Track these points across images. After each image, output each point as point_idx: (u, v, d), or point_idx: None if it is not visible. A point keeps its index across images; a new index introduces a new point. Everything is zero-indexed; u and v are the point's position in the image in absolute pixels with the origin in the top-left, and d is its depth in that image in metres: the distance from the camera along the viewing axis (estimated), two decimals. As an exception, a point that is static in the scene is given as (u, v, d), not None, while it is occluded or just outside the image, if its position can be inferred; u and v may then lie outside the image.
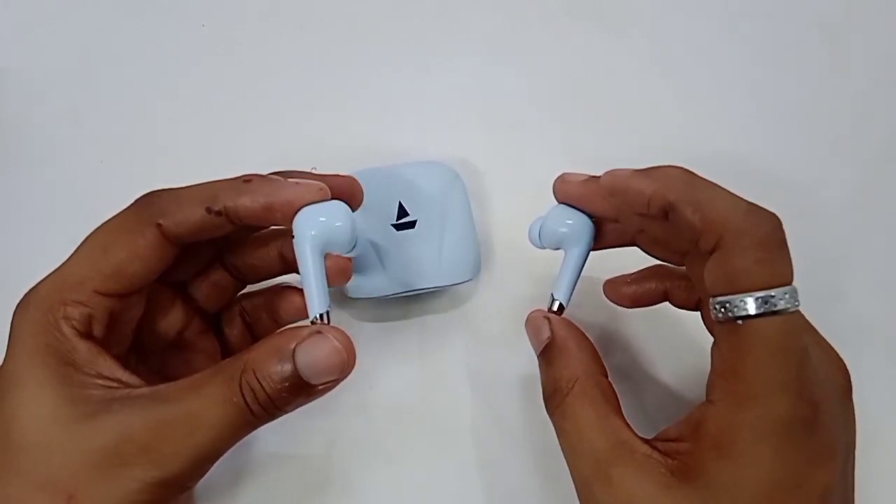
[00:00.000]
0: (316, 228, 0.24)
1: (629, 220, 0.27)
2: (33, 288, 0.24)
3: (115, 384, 0.23)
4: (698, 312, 0.29)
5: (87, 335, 0.24)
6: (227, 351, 0.31)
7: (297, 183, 0.25)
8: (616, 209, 0.27)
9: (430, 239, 0.33)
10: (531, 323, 0.28)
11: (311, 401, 0.24)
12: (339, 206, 0.25)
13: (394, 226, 0.33)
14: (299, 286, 0.30)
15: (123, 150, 0.39)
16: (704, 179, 0.24)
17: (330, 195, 0.25)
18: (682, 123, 0.41)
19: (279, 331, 0.24)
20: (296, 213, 0.24)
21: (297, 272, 0.29)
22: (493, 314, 0.35)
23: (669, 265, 0.30)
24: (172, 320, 0.28)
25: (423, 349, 0.34)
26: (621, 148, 0.39)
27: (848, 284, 0.37)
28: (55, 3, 0.43)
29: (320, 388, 0.23)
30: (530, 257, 0.32)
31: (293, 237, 0.24)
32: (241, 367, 0.22)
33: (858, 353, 0.25)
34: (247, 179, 0.25)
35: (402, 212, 0.33)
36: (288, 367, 0.22)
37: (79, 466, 0.22)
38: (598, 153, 0.39)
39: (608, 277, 0.32)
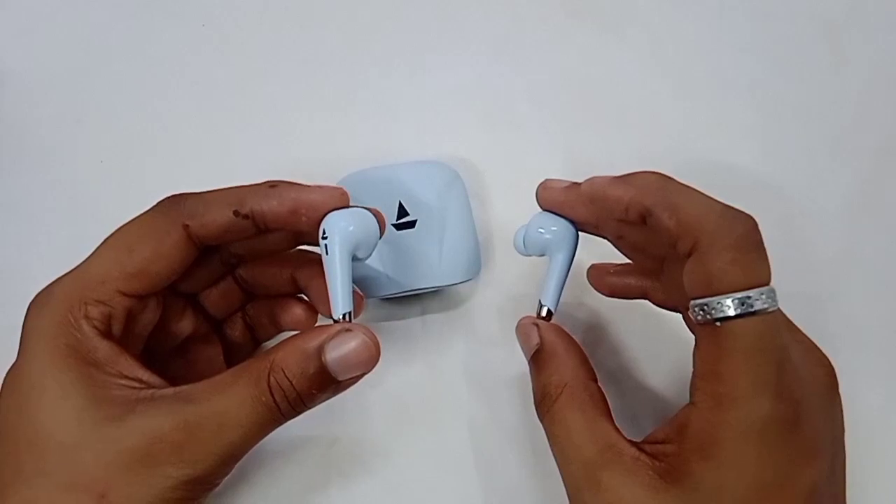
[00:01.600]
0: (347, 232, 0.25)
1: (609, 226, 0.27)
2: (47, 288, 0.25)
3: (136, 384, 0.23)
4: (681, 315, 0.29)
5: (107, 335, 0.24)
6: (228, 350, 0.31)
7: (320, 188, 0.26)
8: (596, 216, 0.27)
9: (430, 239, 0.33)
10: (521, 330, 0.28)
11: (334, 396, 0.24)
12: (365, 213, 0.26)
13: (394, 226, 0.33)
14: (301, 297, 0.31)
15: (123, 150, 0.39)
16: (681, 184, 0.24)
17: (350, 201, 0.26)
18: (682, 123, 0.41)
19: (302, 331, 0.24)
20: (321, 217, 0.25)
21: (306, 296, 0.30)
22: (493, 314, 0.35)
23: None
24: (182, 327, 0.29)
25: (423, 349, 0.34)
26: (620, 148, 0.39)
27: (845, 285, 0.37)
28: (55, 3, 0.43)
29: (346, 382, 0.24)
30: (530, 257, 0.32)
31: (324, 238, 0.25)
32: (268, 366, 0.23)
33: (854, 353, 0.25)
34: (272, 185, 0.26)
35: (402, 212, 0.33)
36: (317, 365, 0.23)
37: (109, 466, 0.22)
38: (598, 153, 0.39)
39: (594, 262, 0.32)
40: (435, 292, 0.35)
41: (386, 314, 0.35)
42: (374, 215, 0.27)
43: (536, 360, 0.27)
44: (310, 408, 0.24)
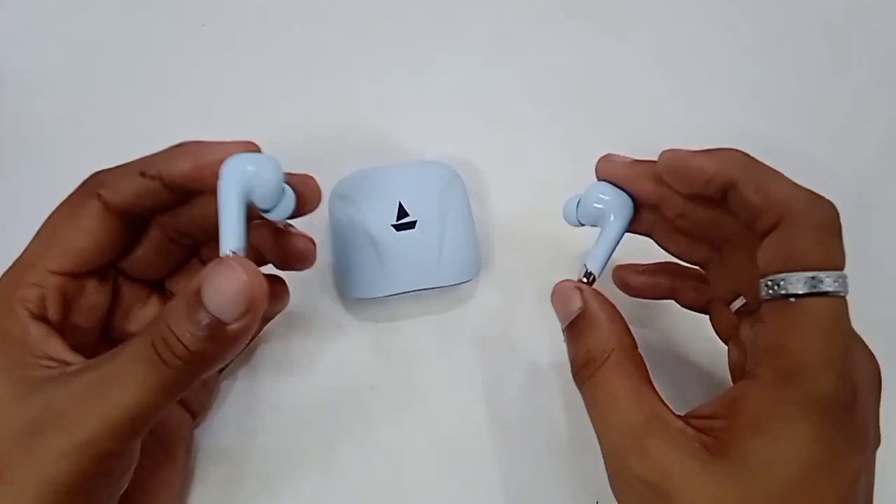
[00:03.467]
0: (240, 171, 0.24)
1: (672, 203, 0.27)
2: None
3: (56, 364, 0.23)
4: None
5: (40, 317, 0.24)
6: None
7: (226, 142, 0.25)
8: (658, 192, 0.27)
9: (430, 239, 0.33)
10: (559, 294, 0.27)
11: (232, 348, 0.22)
12: (267, 158, 0.25)
13: (394, 226, 0.33)
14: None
15: (123, 150, 0.39)
16: (765, 165, 0.24)
17: (260, 151, 0.25)
18: (682, 123, 0.41)
19: None
20: None
21: (270, 261, 0.29)
22: (493, 314, 0.35)
23: (682, 263, 0.30)
24: (147, 315, 0.29)
25: (424, 349, 0.34)
26: (621, 147, 0.39)
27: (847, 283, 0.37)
28: (55, 3, 0.43)
29: (234, 326, 0.22)
30: (530, 257, 0.32)
31: (219, 180, 0.24)
32: (154, 321, 0.22)
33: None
34: (178, 145, 0.26)
35: (402, 212, 0.33)
36: (197, 307, 0.21)
37: (5, 442, 0.22)
38: (598, 152, 0.39)
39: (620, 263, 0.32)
40: (435, 292, 0.35)
41: (386, 314, 0.35)
42: (309, 180, 0.26)
43: (578, 325, 0.26)
44: (206, 363, 0.22)
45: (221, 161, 0.24)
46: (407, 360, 0.34)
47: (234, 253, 0.23)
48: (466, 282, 0.34)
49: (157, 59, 0.42)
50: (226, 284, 0.21)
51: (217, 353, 0.22)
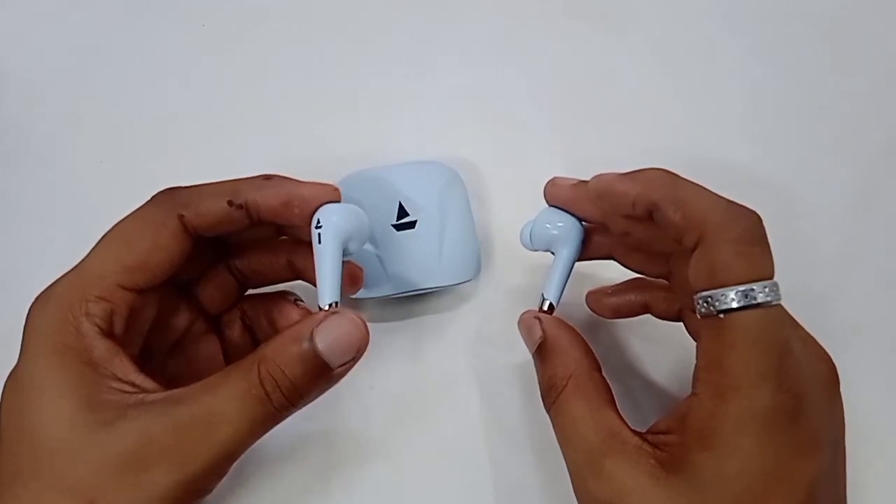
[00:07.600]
0: (341, 223, 0.26)
1: (615, 222, 0.27)
2: (49, 287, 0.24)
3: (128, 387, 0.23)
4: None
5: (107, 333, 0.24)
6: (227, 352, 0.31)
7: (313, 183, 0.26)
8: (602, 212, 0.27)
9: (430, 239, 0.33)
10: (523, 324, 0.28)
11: (329, 387, 0.24)
12: (358, 209, 0.27)
13: (394, 226, 0.33)
14: (296, 298, 0.31)
15: (123, 150, 0.39)
16: (686, 180, 0.24)
17: (341, 197, 0.27)
18: (682, 124, 0.41)
19: (291, 325, 0.24)
20: (313, 210, 0.26)
21: (304, 280, 0.30)
22: (493, 314, 0.35)
23: (648, 278, 0.30)
24: (178, 322, 0.29)
25: (424, 349, 0.34)
26: (620, 148, 0.39)
27: (845, 284, 0.37)
28: (55, 3, 0.43)
29: (339, 369, 0.23)
30: (530, 257, 0.32)
31: (319, 228, 0.25)
32: (258, 359, 0.23)
33: (856, 352, 0.25)
34: (266, 177, 0.26)
35: (402, 212, 0.33)
36: (308, 350, 0.23)
37: (99, 472, 0.22)
38: (598, 153, 0.39)
39: (590, 289, 0.32)
40: (435, 292, 0.35)
41: (386, 314, 0.35)
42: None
43: (541, 353, 0.27)
44: (305, 401, 0.24)
45: (308, 200, 0.26)
46: (407, 360, 0.34)
47: (332, 304, 0.25)
48: (466, 282, 0.34)
49: (157, 58, 0.42)
50: (343, 336, 0.23)
51: (318, 392, 0.24)
